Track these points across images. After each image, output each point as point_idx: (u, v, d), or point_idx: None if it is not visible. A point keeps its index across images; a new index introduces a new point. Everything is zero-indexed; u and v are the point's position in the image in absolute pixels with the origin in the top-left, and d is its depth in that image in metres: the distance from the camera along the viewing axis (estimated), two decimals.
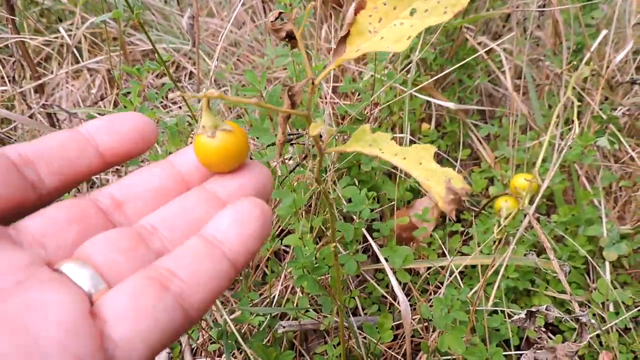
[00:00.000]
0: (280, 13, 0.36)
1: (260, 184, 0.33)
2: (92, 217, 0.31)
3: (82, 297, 0.26)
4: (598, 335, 0.89)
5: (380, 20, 0.35)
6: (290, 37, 0.37)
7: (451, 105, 0.98)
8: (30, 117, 1.41)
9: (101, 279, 0.28)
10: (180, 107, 1.46)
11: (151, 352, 0.26)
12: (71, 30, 1.56)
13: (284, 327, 0.81)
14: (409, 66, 1.01)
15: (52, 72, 1.59)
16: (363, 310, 0.92)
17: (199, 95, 0.30)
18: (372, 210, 0.76)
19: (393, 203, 0.97)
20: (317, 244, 0.90)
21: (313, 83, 0.35)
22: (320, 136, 0.94)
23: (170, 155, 0.35)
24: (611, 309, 0.93)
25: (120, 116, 0.33)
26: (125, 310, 0.26)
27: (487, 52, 1.18)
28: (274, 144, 0.69)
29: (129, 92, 0.83)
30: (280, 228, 0.93)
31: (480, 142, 1.17)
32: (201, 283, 0.28)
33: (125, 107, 0.78)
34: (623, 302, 0.92)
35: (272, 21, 0.36)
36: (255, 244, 0.30)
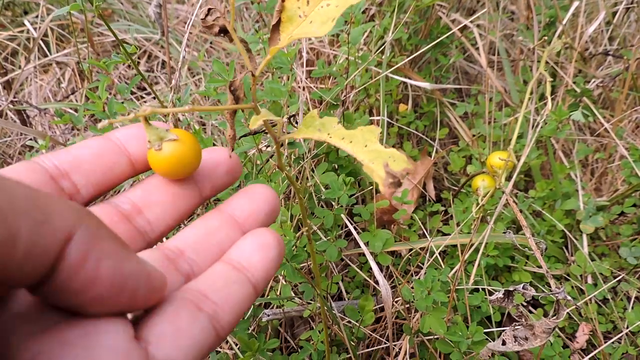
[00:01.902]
0: (210, 9, 0.35)
1: (271, 206, 0.35)
2: (117, 226, 0.32)
3: (126, 322, 0.27)
4: (577, 307, 0.91)
5: (308, 3, 0.34)
6: (224, 32, 0.36)
7: (427, 85, 0.98)
8: None
9: None
10: (154, 98, 1.43)
11: None
12: (37, 23, 1.52)
13: (268, 315, 0.81)
14: (383, 47, 1.00)
15: (19, 67, 1.54)
16: (348, 293, 0.92)
17: (130, 117, 0.30)
18: (351, 196, 0.76)
19: (373, 187, 0.97)
20: (299, 231, 0.90)
21: (253, 75, 0.34)
22: (297, 121, 0.92)
23: None
24: (589, 281, 0.95)
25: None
26: (165, 331, 0.27)
27: (461, 30, 1.17)
28: (247, 134, 0.68)
29: (97, 87, 0.81)
30: None
31: (457, 120, 1.17)
32: (230, 305, 0.30)
33: (93, 102, 0.76)
34: (601, 274, 0.94)
35: (202, 18, 0.35)
36: (274, 269, 0.32)
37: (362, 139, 0.32)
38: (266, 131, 0.80)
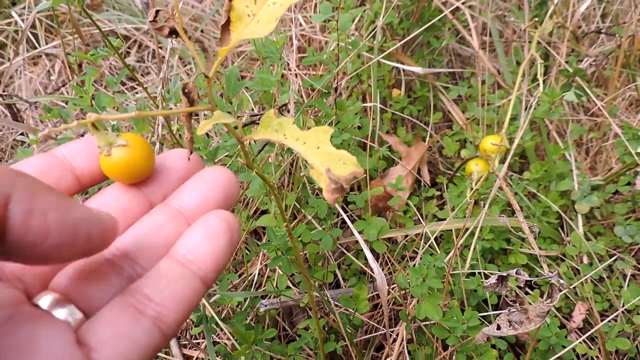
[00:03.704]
0: (157, 10, 0.34)
1: (224, 193, 0.34)
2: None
3: (68, 329, 0.28)
4: (572, 288, 0.92)
5: (256, 2, 0.34)
6: (175, 33, 0.35)
7: (419, 70, 0.97)
8: None
9: (76, 310, 0.29)
10: (146, 89, 1.42)
11: None
12: (25, 15, 1.49)
13: (265, 306, 0.82)
14: (375, 32, 0.99)
15: (8, 60, 1.53)
16: (345, 281, 0.93)
17: (74, 124, 0.30)
18: None
19: (366, 174, 0.97)
20: (295, 219, 0.90)
21: (207, 77, 0.34)
22: (288, 110, 0.92)
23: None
24: (585, 260, 0.96)
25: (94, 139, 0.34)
26: (106, 337, 0.28)
27: (453, 11, 1.16)
28: (247, 123, 0.67)
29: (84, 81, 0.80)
30: (255, 208, 0.93)
31: (451, 104, 1.16)
32: (175, 304, 0.29)
33: (81, 97, 0.75)
34: (596, 253, 0.94)
35: (151, 21, 0.34)
36: (224, 258, 0.31)
37: (315, 140, 0.32)
38: (257, 122, 0.79)
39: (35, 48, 1.51)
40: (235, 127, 0.38)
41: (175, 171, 0.35)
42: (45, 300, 0.29)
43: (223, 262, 0.31)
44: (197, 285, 0.30)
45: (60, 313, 0.29)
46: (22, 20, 1.49)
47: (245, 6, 0.34)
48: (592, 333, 0.87)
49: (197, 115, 1.28)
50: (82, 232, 0.26)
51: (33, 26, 1.52)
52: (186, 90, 0.34)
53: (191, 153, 0.36)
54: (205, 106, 0.35)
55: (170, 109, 0.98)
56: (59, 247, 0.26)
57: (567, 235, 1.00)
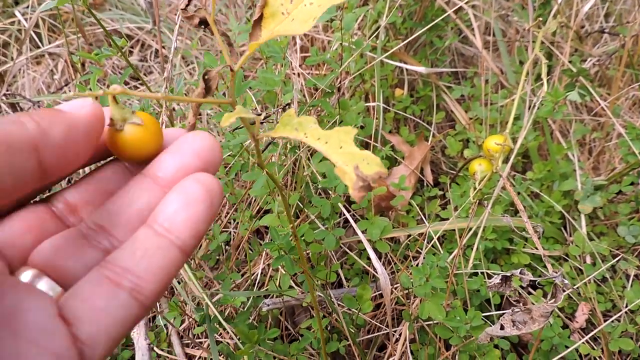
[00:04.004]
0: (190, 0, 0.34)
1: (205, 160, 0.32)
2: (47, 224, 0.32)
3: (51, 302, 0.28)
4: (575, 288, 0.91)
5: (292, 1, 0.34)
6: (205, 24, 0.35)
7: (422, 69, 0.97)
8: None
9: (55, 284, 0.29)
10: (149, 88, 1.42)
11: (114, 342, 0.28)
12: (28, 14, 1.50)
13: (267, 305, 0.82)
14: (378, 31, 0.99)
15: (11, 59, 1.53)
16: (348, 280, 0.93)
17: (100, 92, 0.29)
18: None
19: None
20: (298, 218, 0.90)
21: (232, 70, 0.34)
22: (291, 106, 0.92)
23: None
24: (588, 260, 0.95)
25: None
26: (84, 312, 0.28)
27: (456, 11, 1.16)
28: (238, 128, 0.67)
29: (88, 80, 0.80)
30: (259, 207, 0.93)
31: (454, 104, 1.16)
32: (152, 275, 0.29)
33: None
34: (600, 253, 0.94)
35: (182, 9, 0.34)
36: (203, 226, 0.30)
37: (337, 140, 0.32)
38: (263, 122, 0.79)
39: (39, 47, 1.51)
40: (252, 124, 0.39)
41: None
42: (26, 275, 0.29)
43: (203, 228, 0.30)
44: (175, 255, 0.30)
45: (41, 286, 0.29)
46: (26, 20, 1.49)
47: (280, 4, 0.35)
48: (595, 333, 0.86)
49: (200, 115, 1.28)
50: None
51: (36, 25, 1.53)
52: (206, 77, 0.34)
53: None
54: (227, 100, 0.35)
55: (173, 109, 0.98)
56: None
57: (570, 235, 1.00)
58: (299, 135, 0.33)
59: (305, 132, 0.33)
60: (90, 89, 0.78)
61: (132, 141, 0.32)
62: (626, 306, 0.88)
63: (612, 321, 0.87)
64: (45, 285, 0.29)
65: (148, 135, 0.32)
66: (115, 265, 0.29)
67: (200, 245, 0.94)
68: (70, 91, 1.47)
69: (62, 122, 0.28)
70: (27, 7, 1.55)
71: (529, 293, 0.94)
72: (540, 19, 0.80)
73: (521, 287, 0.83)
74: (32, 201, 0.33)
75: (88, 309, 0.28)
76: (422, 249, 0.88)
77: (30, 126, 0.27)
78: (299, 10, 0.34)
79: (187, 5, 0.34)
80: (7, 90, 1.36)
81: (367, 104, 1.04)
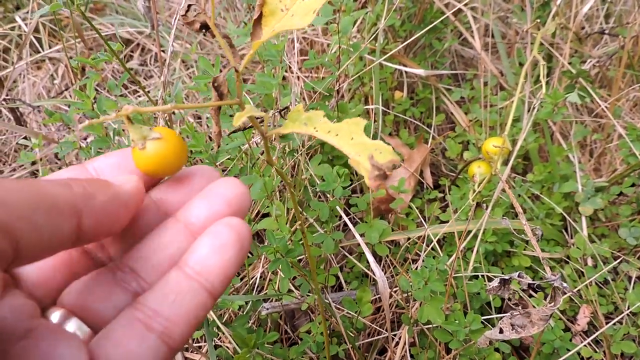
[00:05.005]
0: (190, 5, 0.35)
1: (235, 207, 0.33)
2: (75, 262, 0.32)
3: (82, 345, 0.28)
4: (578, 290, 0.91)
5: None
6: (206, 28, 0.35)
7: (421, 72, 0.97)
8: None
9: (84, 324, 0.30)
10: (148, 92, 1.42)
11: None
12: (28, 19, 1.50)
13: (267, 309, 0.81)
14: (376, 34, 0.99)
15: (12, 64, 1.53)
16: (347, 284, 0.92)
17: (113, 116, 0.30)
18: (346, 187, 0.75)
19: None
20: (294, 224, 0.89)
21: (237, 71, 0.34)
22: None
23: (154, 190, 0.35)
24: (589, 263, 0.95)
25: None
26: (115, 353, 0.28)
27: (455, 13, 1.15)
28: (236, 130, 0.67)
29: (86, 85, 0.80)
30: (257, 210, 0.92)
31: (453, 106, 1.16)
32: (182, 318, 0.29)
33: (82, 101, 0.75)
34: (601, 255, 0.93)
35: (183, 15, 0.34)
36: (233, 269, 0.31)
37: (348, 132, 0.32)
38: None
39: (39, 52, 1.52)
40: (261, 123, 0.39)
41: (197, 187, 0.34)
42: (55, 316, 0.29)
43: (232, 273, 0.31)
44: (205, 299, 0.30)
45: (71, 327, 0.29)
46: (26, 25, 1.49)
47: (279, 1, 0.35)
48: (597, 336, 0.86)
49: (199, 117, 1.28)
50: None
51: (36, 30, 1.53)
52: (216, 84, 0.34)
53: (218, 147, 0.36)
54: (234, 100, 0.35)
55: (173, 113, 0.98)
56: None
57: (571, 238, 0.99)
58: (309, 130, 0.33)
59: (314, 126, 0.33)
60: (88, 95, 0.77)
61: (157, 157, 0.33)
62: (628, 308, 0.87)
63: (614, 324, 0.86)
64: (74, 325, 0.29)
65: (171, 150, 0.33)
66: (147, 307, 0.29)
67: None
68: (70, 96, 1.47)
69: (107, 191, 0.30)
70: (27, 12, 1.56)
71: (530, 296, 0.93)
72: (539, 20, 0.80)
73: (522, 290, 0.83)
74: None
75: (120, 354, 0.28)
76: (421, 252, 0.87)
77: (77, 190, 0.28)
78: (298, 5, 0.34)
79: (187, 11, 0.34)
80: (7, 95, 1.36)
81: (367, 107, 1.03)
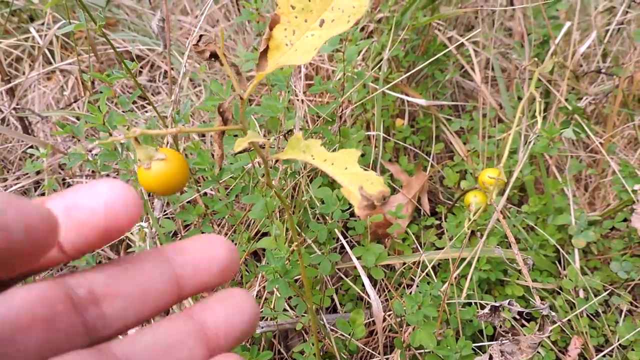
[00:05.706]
0: (201, 36, 0.38)
1: (249, 318, 0.30)
2: (59, 317, 0.26)
3: None
4: (569, 321, 0.92)
5: (294, 33, 0.37)
6: (215, 57, 0.38)
7: (423, 101, 1.00)
8: (2, 121, 1.39)
9: None
10: (156, 109, 1.45)
11: None
12: (42, 31, 1.54)
13: (261, 328, 0.83)
14: (380, 63, 1.02)
15: (23, 74, 1.57)
16: (342, 306, 0.94)
17: (121, 138, 0.32)
18: (344, 210, 0.78)
19: None
20: (292, 245, 0.91)
21: (242, 98, 0.36)
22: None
23: (164, 245, 0.31)
24: (581, 294, 0.96)
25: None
26: None
27: (458, 47, 1.19)
28: (243, 151, 0.69)
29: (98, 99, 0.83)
30: (257, 229, 0.94)
31: (453, 136, 1.19)
32: None
33: (94, 115, 0.78)
34: (593, 288, 0.95)
35: (194, 44, 0.37)
36: None
37: (343, 161, 0.34)
38: (263, 146, 0.82)
39: (51, 64, 1.55)
40: (262, 147, 0.41)
41: (214, 262, 0.30)
42: None
43: None
44: None
45: None
46: (40, 37, 1.53)
47: (284, 36, 0.37)
48: None
49: (204, 135, 1.31)
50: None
51: (49, 42, 1.57)
52: (221, 110, 0.36)
53: (220, 169, 0.38)
54: (237, 126, 0.37)
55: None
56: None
57: (564, 269, 1.01)
58: (306, 157, 0.35)
59: (312, 154, 0.35)
60: (99, 109, 0.80)
61: (161, 176, 0.35)
62: (618, 341, 0.88)
63: (604, 355, 0.87)
64: None
65: (175, 168, 0.35)
66: None
67: None
68: (79, 108, 1.50)
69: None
70: (42, 24, 1.60)
71: (523, 325, 0.94)
72: (537, 58, 0.83)
73: (514, 318, 0.84)
74: (42, 275, 0.29)
75: None
76: (416, 277, 0.89)
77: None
78: (302, 42, 0.36)
79: (198, 41, 0.37)
80: (17, 104, 1.39)
81: (368, 133, 1.06)
